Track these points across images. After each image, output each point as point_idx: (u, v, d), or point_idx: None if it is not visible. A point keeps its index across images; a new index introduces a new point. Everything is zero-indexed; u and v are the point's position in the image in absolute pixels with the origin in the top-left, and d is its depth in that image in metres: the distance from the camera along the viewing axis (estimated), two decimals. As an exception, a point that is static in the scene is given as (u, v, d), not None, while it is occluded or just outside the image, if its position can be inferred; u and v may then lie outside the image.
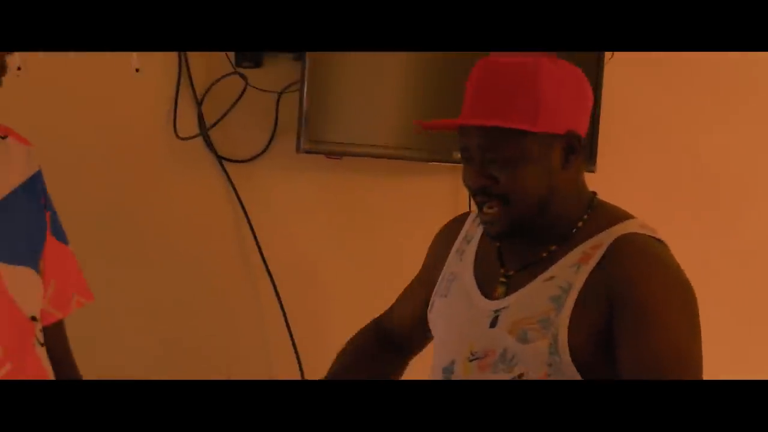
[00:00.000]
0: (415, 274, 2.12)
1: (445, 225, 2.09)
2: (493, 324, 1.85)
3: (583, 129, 1.87)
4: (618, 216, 1.88)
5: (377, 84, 2.66)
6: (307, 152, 2.62)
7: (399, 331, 2.12)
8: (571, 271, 1.82)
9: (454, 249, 2.00)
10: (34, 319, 1.83)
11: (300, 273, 2.76)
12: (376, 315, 2.18)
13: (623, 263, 1.79)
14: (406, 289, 2.15)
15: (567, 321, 1.79)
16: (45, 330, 1.88)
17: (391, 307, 2.16)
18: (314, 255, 2.78)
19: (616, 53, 2.77)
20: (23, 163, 1.86)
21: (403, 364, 2.14)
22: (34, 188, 1.86)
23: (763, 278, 3.16)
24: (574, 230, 1.87)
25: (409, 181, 2.84)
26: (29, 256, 1.83)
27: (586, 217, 1.88)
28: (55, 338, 1.91)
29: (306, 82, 2.59)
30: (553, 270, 1.84)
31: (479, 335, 1.86)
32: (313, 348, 2.72)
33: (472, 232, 2.00)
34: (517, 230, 1.85)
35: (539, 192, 1.83)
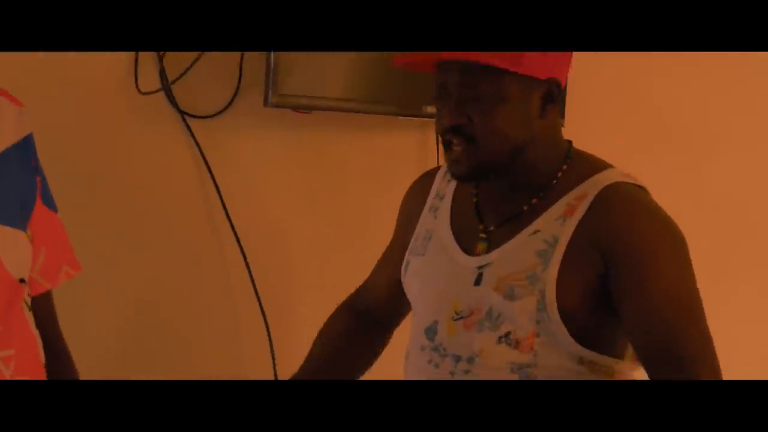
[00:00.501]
0: (384, 230, 2.07)
1: (414, 182, 2.03)
2: (477, 281, 1.81)
3: (563, 78, 1.82)
4: (597, 165, 1.84)
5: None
6: (276, 106, 2.56)
7: (376, 304, 2.06)
8: (556, 224, 1.78)
9: (427, 206, 1.95)
10: (22, 281, 1.78)
11: (266, 231, 2.71)
12: (344, 274, 2.14)
13: (613, 215, 1.76)
14: (379, 260, 2.08)
15: (555, 277, 1.75)
16: (33, 300, 1.83)
17: (365, 281, 2.10)
18: (281, 212, 2.73)
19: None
20: (15, 123, 1.81)
21: (385, 340, 2.09)
22: (26, 150, 1.81)
23: (728, 224, 3.18)
24: (554, 181, 1.82)
25: (378, 136, 2.78)
26: (19, 217, 1.78)
27: (564, 167, 1.83)
28: (43, 309, 1.86)
29: None
30: (537, 223, 1.80)
31: (463, 293, 1.81)
32: (280, 307, 2.68)
33: (444, 187, 1.94)
34: (482, 173, 1.80)
35: (513, 136, 1.78)
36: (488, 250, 1.82)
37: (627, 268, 1.73)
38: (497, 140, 1.77)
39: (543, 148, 1.82)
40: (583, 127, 2.93)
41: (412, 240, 1.94)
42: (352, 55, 2.60)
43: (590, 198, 1.77)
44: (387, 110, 2.66)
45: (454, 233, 1.88)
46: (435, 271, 1.87)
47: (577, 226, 1.76)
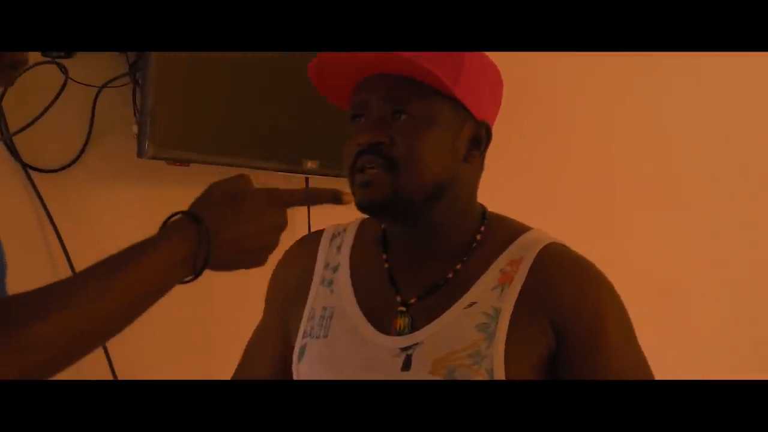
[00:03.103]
0: (253, 302, 1.76)
1: (288, 252, 1.73)
2: (406, 366, 1.55)
3: (492, 122, 1.63)
4: (517, 227, 1.65)
5: (230, 85, 2.44)
6: (153, 158, 2.32)
7: None
8: (494, 294, 1.56)
9: (316, 280, 1.67)
10: None
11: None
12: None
13: (558, 281, 1.58)
14: (248, 351, 1.76)
15: (502, 351, 1.52)
16: None
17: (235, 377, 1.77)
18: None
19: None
20: None
21: None
22: None
23: (641, 269, 3.14)
24: (474, 244, 1.60)
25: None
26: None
27: (482, 228, 1.62)
28: None
29: (152, 77, 2.29)
30: (471, 294, 1.57)
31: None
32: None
33: (335, 257, 1.68)
34: (397, 206, 1.55)
35: (437, 170, 1.56)
36: (412, 327, 1.58)
37: (578, 340, 1.56)
38: (420, 169, 1.55)
39: (461, 199, 1.61)
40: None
41: (305, 320, 1.66)
42: (234, 105, 2.44)
43: (528, 263, 1.58)
44: (267, 165, 2.52)
45: (362, 310, 1.62)
46: (344, 354, 1.61)
47: (519, 295, 1.56)
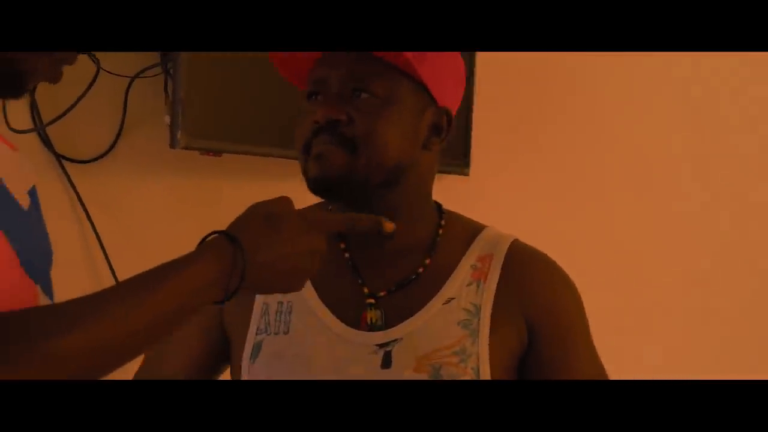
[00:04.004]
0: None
1: None
2: (386, 363, 1.49)
3: (453, 111, 1.56)
4: (471, 222, 1.62)
5: (262, 75, 2.34)
6: (185, 148, 2.29)
7: None
8: (470, 291, 1.52)
9: None
10: None
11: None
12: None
13: (530, 280, 1.56)
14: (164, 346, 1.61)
15: (487, 349, 1.49)
16: None
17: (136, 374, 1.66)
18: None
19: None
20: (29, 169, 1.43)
21: None
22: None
23: (635, 276, 3.15)
24: (438, 238, 1.56)
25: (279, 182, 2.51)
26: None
27: (443, 223, 1.57)
28: None
29: (183, 67, 2.27)
30: (448, 290, 1.52)
31: (367, 379, 1.49)
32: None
33: None
34: (351, 184, 1.46)
35: (396, 152, 1.48)
36: (386, 321, 1.51)
37: (548, 340, 1.55)
38: (378, 150, 1.46)
39: (418, 188, 1.54)
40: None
41: (255, 316, 1.56)
42: (267, 95, 2.39)
43: (499, 259, 1.55)
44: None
45: (325, 303, 1.54)
46: (312, 352, 1.51)
47: (496, 292, 1.53)
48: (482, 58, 2.75)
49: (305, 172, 1.49)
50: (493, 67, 2.80)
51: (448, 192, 2.56)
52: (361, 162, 1.46)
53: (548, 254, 1.62)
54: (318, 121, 1.46)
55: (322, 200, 1.56)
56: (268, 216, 1.22)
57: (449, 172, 2.65)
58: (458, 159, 2.70)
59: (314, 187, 1.49)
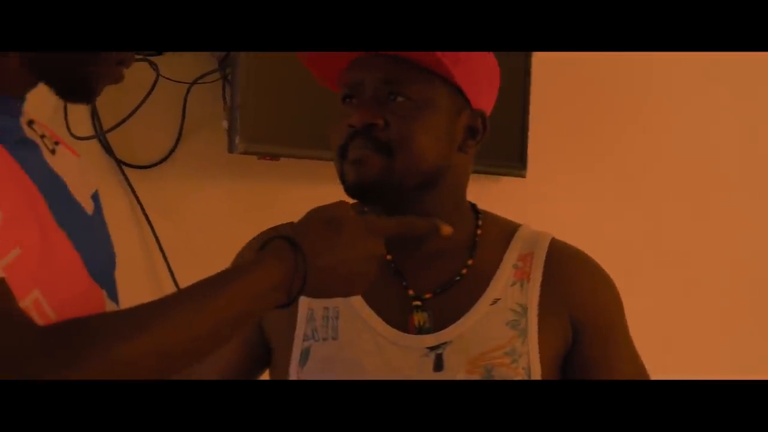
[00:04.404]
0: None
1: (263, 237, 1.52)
2: (438, 366, 1.49)
3: (488, 112, 1.55)
4: (506, 221, 1.61)
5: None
6: (243, 153, 2.30)
7: None
8: (515, 291, 1.52)
9: None
10: None
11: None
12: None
13: (574, 280, 1.56)
14: None
15: (537, 348, 1.49)
16: None
17: None
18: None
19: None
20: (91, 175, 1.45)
21: None
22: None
23: (689, 275, 3.14)
24: (477, 238, 1.55)
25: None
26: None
27: (480, 223, 1.57)
28: None
29: (241, 73, 2.28)
30: (493, 291, 1.52)
31: None
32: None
33: None
34: (386, 190, 1.45)
35: (433, 156, 1.47)
36: (434, 324, 1.50)
37: (590, 339, 1.55)
38: (414, 154, 1.45)
39: (454, 190, 1.54)
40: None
41: (301, 322, 1.55)
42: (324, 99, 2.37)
43: (540, 258, 1.55)
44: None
45: (371, 305, 1.52)
46: (364, 356, 1.50)
47: (540, 291, 1.52)
48: (538, 58, 2.75)
49: (342, 176, 1.49)
50: (550, 67, 2.80)
51: (505, 194, 2.58)
52: (398, 166, 1.45)
53: (602, 256, 1.61)
54: (354, 125, 1.46)
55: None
56: (328, 220, 1.23)
57: (505, 174, 2.64)
58: (514, 161, 2.69)
59: (351, 190, 1.49)
